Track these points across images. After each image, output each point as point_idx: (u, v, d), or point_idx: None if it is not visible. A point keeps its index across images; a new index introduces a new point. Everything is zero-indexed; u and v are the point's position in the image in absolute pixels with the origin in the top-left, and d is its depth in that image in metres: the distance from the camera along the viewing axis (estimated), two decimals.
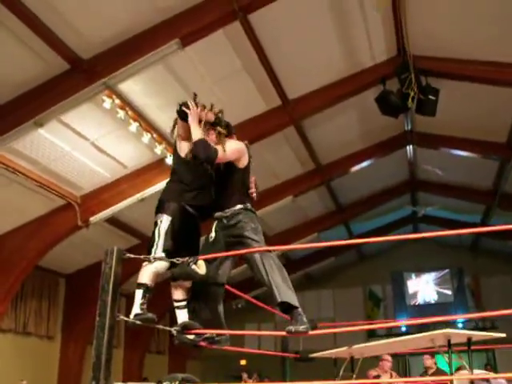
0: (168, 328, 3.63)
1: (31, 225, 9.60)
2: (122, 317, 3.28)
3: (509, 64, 8.25)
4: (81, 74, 6.91)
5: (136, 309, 3.57)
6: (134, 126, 8.30)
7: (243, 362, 18.55)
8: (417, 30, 8.21)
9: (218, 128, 3.87)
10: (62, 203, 9.51)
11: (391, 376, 7.27)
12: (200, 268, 3.80)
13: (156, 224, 3.77)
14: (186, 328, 3.58)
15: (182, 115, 3.85)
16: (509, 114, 9.74)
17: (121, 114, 7.94)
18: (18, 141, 7.73)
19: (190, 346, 3.65)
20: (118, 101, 7.78)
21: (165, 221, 3.74)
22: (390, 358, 7.19)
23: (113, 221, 10.68)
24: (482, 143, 11.02)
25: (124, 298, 13.15)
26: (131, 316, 3.52)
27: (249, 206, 3.79)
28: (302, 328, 3.27)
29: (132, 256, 3.49)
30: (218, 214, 3.78)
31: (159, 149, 8.86)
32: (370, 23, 8.13)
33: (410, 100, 8.68)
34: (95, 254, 10.70)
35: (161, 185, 9.46)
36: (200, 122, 3.79)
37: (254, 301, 4.80)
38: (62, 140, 8.36)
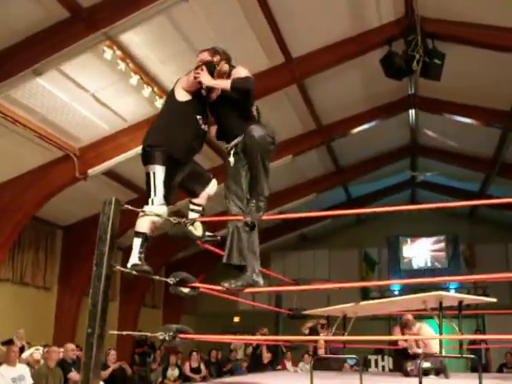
0: (164, 279, 3.66)
1: (29, 175, 9.58)
2: (118, 267, 3.30)
3: None
4: (81, 23, 6.77)
5: (134, 258, 3.58)
6: (134, 79, 8.19)
7: (237, 319, 18.88)
8: None
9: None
10: (60, 155, 9.46)
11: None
12: (197, 229, 3.83)
13: (149, 176, 3.75)
14: (182, 281, 3.61)
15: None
16: None
17: (121, 65, 7.82)
18: (17, 89, 7.64)
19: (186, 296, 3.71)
20: (118, 52, 7.65)
21: (158, 172, 3.72)
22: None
23: (111, 174, 10.67)
24: (485, 110, 10.93)
25: (120, 252, 13.28)
26: (129, 265, 3.54)
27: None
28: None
29: (130, 208, 3.49)
30: (233, 143, 3.81)
31: (159, 102, 8.76)
32: None
33: (415, 63, 8.55)
34: (93, 207, 10.71)
35: None
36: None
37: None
38: (61, 90, 8.25)
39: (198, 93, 3.91)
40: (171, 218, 3.66)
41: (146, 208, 3.66)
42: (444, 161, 14.27)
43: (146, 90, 8.50)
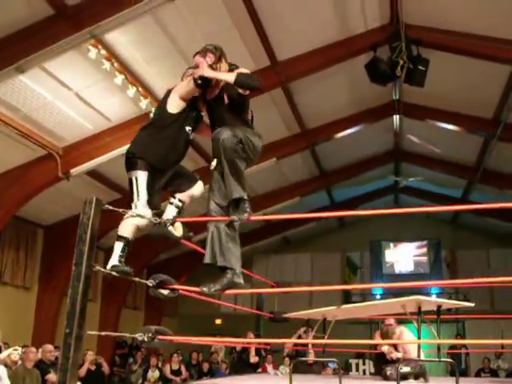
0: (144, 281, 3.64)
1: (10, 174, 9.48)
2: (98, 267, 3.28)
3: (501, 40, 8.22)
4: (66, 21, 6.72)
5: (114, 260, 3.57)
6: (119, 79, 8.14)
7: (218, 322, 18.84)
8: None
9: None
10: (42, 153, 9.38)
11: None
12: (176, 230, 3.82)
13: (132, 181, 3.75)
14: (161, 283, 3.60)
15: (202, 85, 3.79)
16: (497, 90, 9.75)
17: (106, 65, 7.78)
18: None
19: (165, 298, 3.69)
20: (103, 51, 7.60)
21: (141, 177, 3.72)
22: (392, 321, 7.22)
23: (94, 174, 10.61)
24: (468, 118, 11.06)
25: (102, 252, 13.18)
26: (108, 267, 3.52)
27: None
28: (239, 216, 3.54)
29: (111, 208, 3.47)
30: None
31: (144, 103, 8.74)
32: None
33: (399, 69, 8.62)
34: (75, 207, 10.60)
35: None
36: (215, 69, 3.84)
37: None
38: (44, 88, 8.19)
39: (192, 101, 3.89)
40: (152, 218, 3.64)
41: (129, 213, 3.64)
42: (427, 167, 14.39)
43: (131, 90, 8.45)
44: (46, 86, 8.13)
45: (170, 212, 3.83)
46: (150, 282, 3.56)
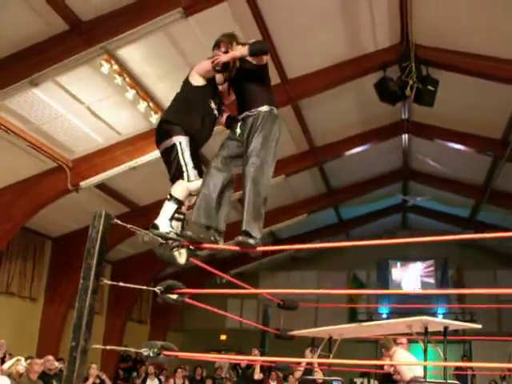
0: (152, 288, 3.62)
1: (20, 185, 9.56)
2: (106, 281, 3.28)
3: (510, 61, 8.24)
4: (79, 36, 6.83)
5: (165, 225, 3.50)
6: (130, 93, 8.24)
7: (223, 337, 18.74)
8: (422, 19, 8.17)
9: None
10: (52, 165, 9.46)
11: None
12: (181, 255, 3.74)
13: (175, 147, 3.70)
14: (169, 288, 3.57)
15: (221, 70, 3.92)
16: (506, 111, 9.76)
17: (118, 80, 7.88)
18: (12, 99, 7.67)
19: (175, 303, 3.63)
20: (116, 66, 7.70)
21: (184, 142, 3.70)
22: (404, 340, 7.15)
23: (103, 187, 10.66)
24: (476, 138, 11.06)
25: (109, 265, 13.21)
26: (161, 230, 3.48)
27: (275, 109, 3.81)
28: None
29: (120, 223, 3.47)
30: (244, 114, 3.80)
31: (154, 118, 8.80)
32: (376, 8, 8.08)
33: (408, 89, 8.66)
34: (83, 219, 10.65)
35: (154, 154, 9.43)
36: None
37: (235, 280, 4.81)
38: (56, 102, 8.29)
39: (212, 78, 3.98)
40: (159, 238, 3.60)
41: (181, 183, 3.60)
42: (435, 186, 14.37)
43: (142, 105, 8.54)
44: (58, 99, 8.23)
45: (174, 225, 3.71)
46: (159, 289, 3.54)
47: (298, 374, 8.62)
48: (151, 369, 11.97)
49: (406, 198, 15.44)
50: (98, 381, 9.99)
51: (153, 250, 3.64)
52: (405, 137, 12.31)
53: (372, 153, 12.51)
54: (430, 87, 8.75)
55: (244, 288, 4.87)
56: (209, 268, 4.01)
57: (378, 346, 16.15)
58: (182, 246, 3.61)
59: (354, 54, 9.11)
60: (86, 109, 8.64)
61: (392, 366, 6.27)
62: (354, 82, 9.61)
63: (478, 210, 14.31)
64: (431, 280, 18.51)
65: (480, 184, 12.94)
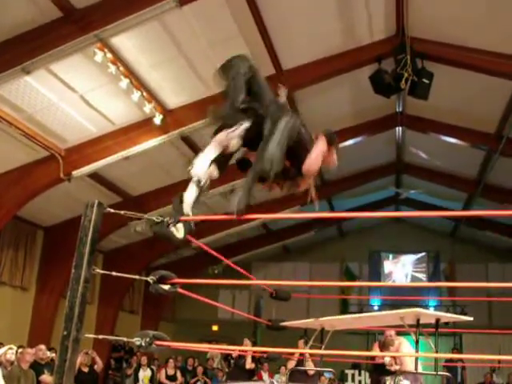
0: (144, 278, 3.61)
1: (12, 174, 9.49)
2: (98, 270, 3.26)
3: (506, 55, 8.24)
4: (73, 24, 6.76)
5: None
6: (124, 83, 8.17)
7: (215, 328, 18.79)
8: (418, 12, 8.15)
9: None
10: (45, 154, 9.39)
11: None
12: (178, 231, 3.74)
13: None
14: (162, 278, 3.56)
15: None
16: (500, 105, 9.77)
17: (112, 68, 7.81)
18: (4, 86, 7.60)
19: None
20: (109, 55, 7.64)
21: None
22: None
23: (96, 176, 10.60)
24: (470, 132, 11.08)
25: (101, 255, 13.17)
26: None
27: None
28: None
29: (113, 211, 3.45)
30: None
31: (148, 107, 8.77)
32: (372, 0, 8.04)
33: (403, 81, 8.65)
34: (76, 209, 10.63)
35: (147, 144, 9.40)
36: None
37: (234, 265, 4.81)
38: (49, 90, 8.22)
39: None
40: (154, 217, 3.58)
41: None
42: (428, 179, 14.41)
43: (136, 95, 8.48)
44: (51, 87, 8.16)
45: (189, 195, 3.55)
46: (151, 279, 3.52)
47: (292, 364, 8.64)
48: (144, 359, 11.97)
49: (398, 190, 15.49)
50: (86, 369, 9.82)
51: (151, 228, 3.58)
52: (399, 129, 12.31)
53: (366, 145, 12.51)
54: (424, 80, 8.74)
55: (239, 275, 4.85)
56: (210, 251, 3.97)
57: (369, 338, 16.29)
58: (178, 222, 3.57)
59: (350, 46, 9.07)
60: (79, 98, 8.57)
61: (394, 357, 6.31)
62: (349, 74, 9.59)
63: (471, 204, 14.37)
64: (423, 273, 18.62)
65: (473, 178, 12.99)
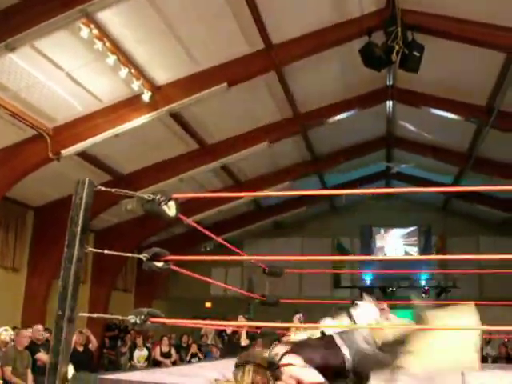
0: (137, 255, 3.57)
1: (0, 154, 9.37)
2: (90, 249, 3.22)
3: (498, 26, 8.18)
4: None
5: None
6: (111, 59, 8.02)
7: (208, 305, 18.89)
8: None
9: None
10: (33, 134, 9.26)
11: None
12: (170, 209, 3.71)
13: None
14: (156, 255, 3.54)
15: None
16: (491, 78, 9.73)
17: (98, 45, 7.66)
18: None
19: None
20: (95, 31, 7.48)
21: None
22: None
23: (85, 155, 10.50)
24: (461, 104, 11.05)
25: (93, 234, 13.11)
26: None
27: None
28: None
29: (104, 189, 3.40)
30: None
31: (136, 84, 8.64)
32: None
33: (394, 54, 8.56)
34: (65, 188, 10.53)
35: (136, 121, 9.29)
36: None
37: (225, 243, 4.78)
38: (35, 68, 8.06)
39: None
40: (145, 195, 3.54)
41: None
42: (419, 153, 14.41)
43: (123, 71, 8.34)
44: (36, 65, 8.00)
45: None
46: (144, 256, 3.50)
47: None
48: (140, 340, 12.00)
49: (389, 164, 15.50)
50: (81, 348, 9.83)
51: (142, 207, 3.55)
52: (389, 103, 12.26)
53: (356, 119, 12.46)
54: (415, 53, 8.65)
55: (231, 251, 4.83)
56: (201, 229, 3.94)
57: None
58: (170, 199, 3.55)
59: (339, 19, 8.96)
60: (66, 75, 8.41)
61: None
62: (339, 47, 9.49)
63: (462, 178, 14.42)
64: (414, 247, 18.76)
65: (464, 151, 13.01)
